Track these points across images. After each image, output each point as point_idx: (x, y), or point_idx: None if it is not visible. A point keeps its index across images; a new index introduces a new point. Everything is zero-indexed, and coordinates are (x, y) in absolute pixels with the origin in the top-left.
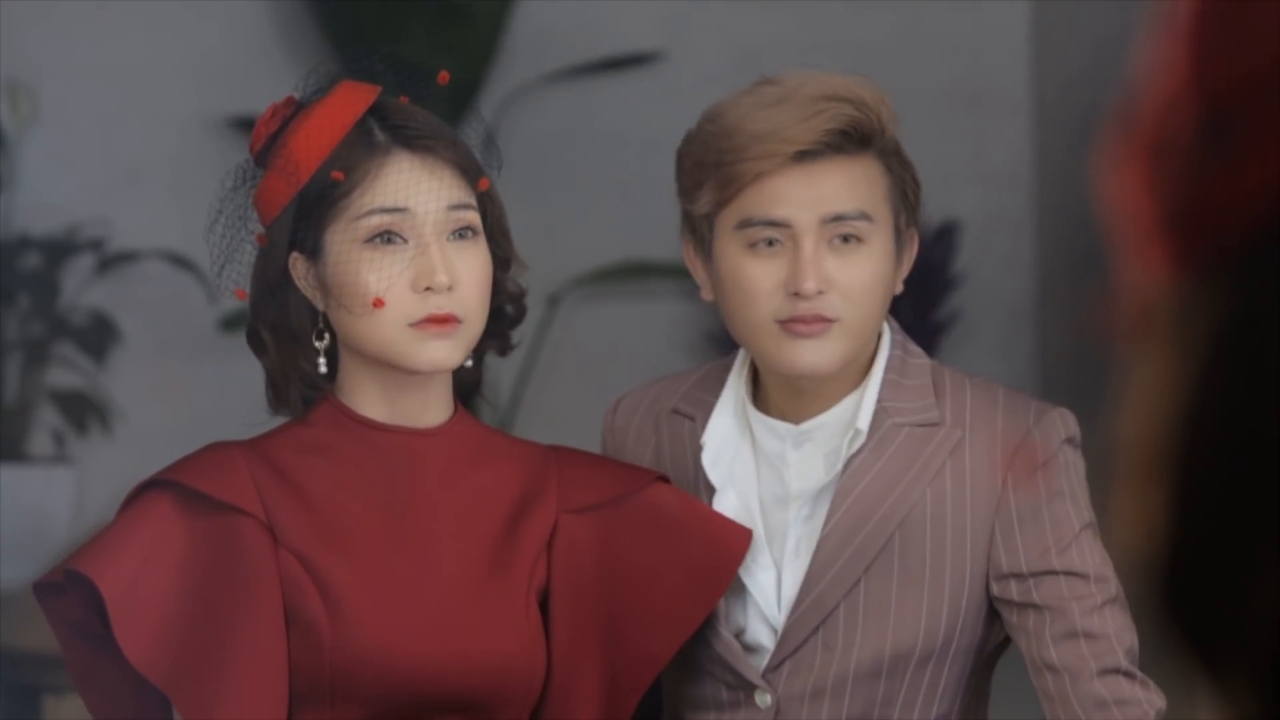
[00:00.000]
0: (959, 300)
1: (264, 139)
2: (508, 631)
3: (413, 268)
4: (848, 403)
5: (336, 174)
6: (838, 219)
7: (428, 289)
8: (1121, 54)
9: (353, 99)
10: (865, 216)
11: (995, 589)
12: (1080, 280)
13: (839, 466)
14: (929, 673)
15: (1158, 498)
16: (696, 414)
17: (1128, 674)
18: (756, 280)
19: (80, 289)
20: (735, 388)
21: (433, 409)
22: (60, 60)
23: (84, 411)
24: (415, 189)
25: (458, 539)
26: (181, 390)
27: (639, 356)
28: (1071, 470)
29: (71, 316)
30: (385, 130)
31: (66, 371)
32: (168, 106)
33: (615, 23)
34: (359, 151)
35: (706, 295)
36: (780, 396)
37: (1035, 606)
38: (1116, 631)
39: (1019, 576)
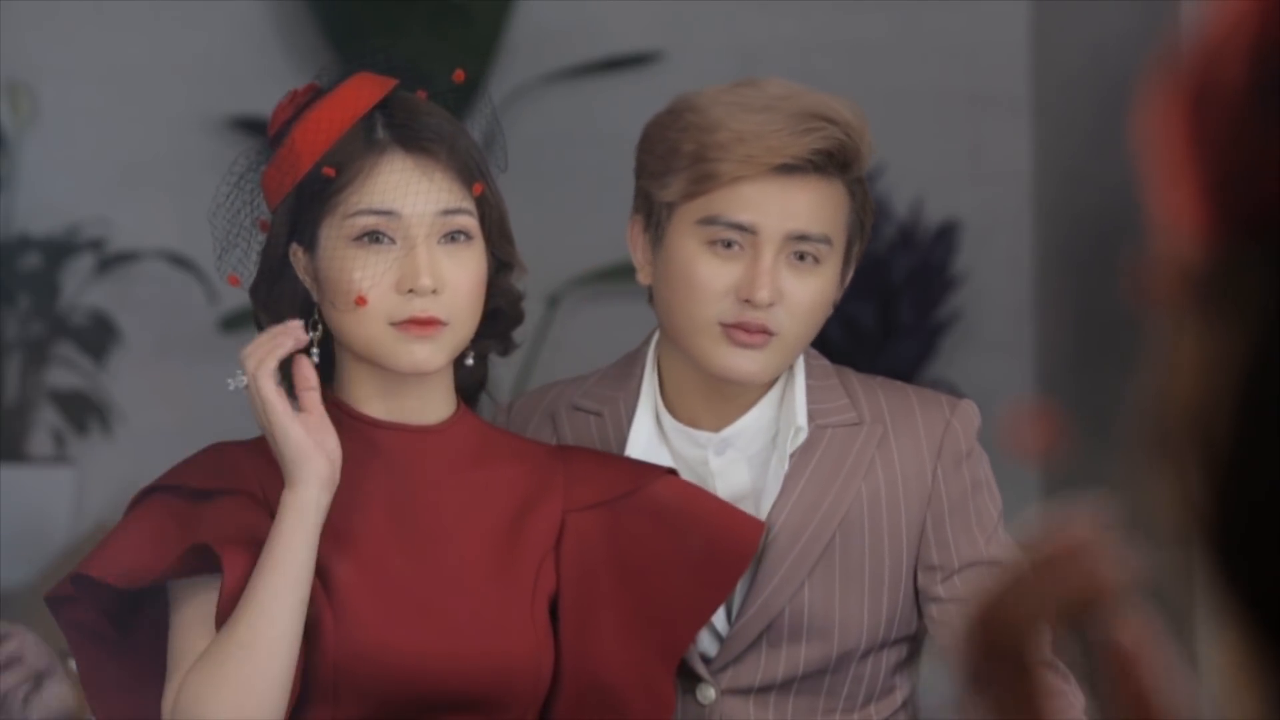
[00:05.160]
0: (959, 300)
1: (279, 124)
2: (511, 631)
3: (397, 269)
4: (765, 406)
5: (328, 170)
6: (802, 237)
7: (411, 291)
8: (1121, 54)
9: (362, 93)
10: (826, 240)
11: (920, 579)
12: (1080, 280)
13: (780, 469)
14: (870, 663)
15: (1200, 475)
16: (603, 409)
17: (1050, 665)
18: (709, 280)
19: (80, 289)
20: (651, 394)
21: (432, 406)
22: (60, 60)
23: (84, 411)
24: (405, 191)
25: (460, 537)
26: (181, 390)
27: None
28: (985, 460)
29: (71, 316)
30: (387, 128)
31: (66, 371)
32: (168, 106)
33: (615, 23)
34: (356, 148)
35: (644, 279)
36: (696, 403)
37: (959, 601)
38: None
39: (946, 570)
